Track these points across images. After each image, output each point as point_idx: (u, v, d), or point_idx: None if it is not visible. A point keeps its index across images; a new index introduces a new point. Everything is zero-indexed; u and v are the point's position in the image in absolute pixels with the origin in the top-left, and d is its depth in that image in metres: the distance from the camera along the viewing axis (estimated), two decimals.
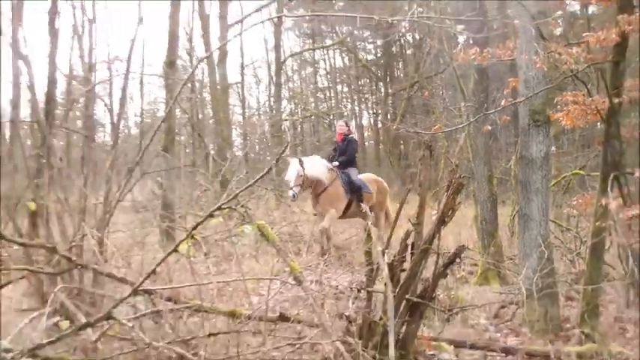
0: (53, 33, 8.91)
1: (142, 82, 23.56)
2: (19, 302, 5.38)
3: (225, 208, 3.97)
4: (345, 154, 11.01)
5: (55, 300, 4.25)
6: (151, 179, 11.39)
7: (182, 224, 8.89)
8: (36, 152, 7.06)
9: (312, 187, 10.52)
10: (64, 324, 4.06)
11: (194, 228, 3.95)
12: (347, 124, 11.64)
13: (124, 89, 9.81)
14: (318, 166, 10.54)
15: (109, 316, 3.95)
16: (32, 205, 5.50)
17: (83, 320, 4.19)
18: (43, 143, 6.82)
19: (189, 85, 18.96)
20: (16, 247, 5.44)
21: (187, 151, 20.64)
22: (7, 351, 3.77)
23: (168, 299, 4.20)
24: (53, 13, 9.06)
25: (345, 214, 10.89)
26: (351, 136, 11.27)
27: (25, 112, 10.09)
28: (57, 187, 5.71)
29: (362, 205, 9.99)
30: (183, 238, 3.89)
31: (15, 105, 9.14)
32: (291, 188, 10.35)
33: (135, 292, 4.02)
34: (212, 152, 15.86)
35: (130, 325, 3.94)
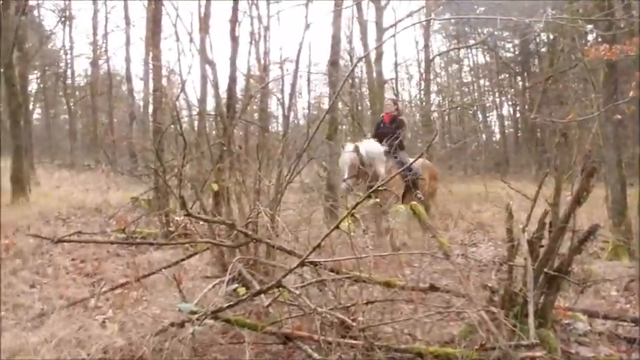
0: (234, 39, 10.24)
1: (308, 80, 28.05)
2: (204, 270, 6.33)
3: (382, 190, 4.57)
4: (395, 139, 9.77)
5: (233, 269, 4.97)
6: (317, 163, 12.36)
7: (343, 203, 9.94)
8: (219, 141, 8.12)
9: (370, 175, 9.62)
10: (241, 290, 4.79)
11: (354, 207, 4.58)
12: (395, 103, 11.05)
13: (293, 86, 11.37)
14: (375, 153, 9.85)
15: (279, 284, 4.58)
16: (215, 187, 6.45)
17: (257, 287, 4.91)
18: (225, 133, 7.88)
19: (350, 81, 21.62)
20: (201, 223, 6.45)
21: (348, 138, 22.60)
22: (193, 312, 4.43)
23: (331, 270, 4.83)
24: (234, 22, 10.45)
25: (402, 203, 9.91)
26: (400, 117, 10.67)
27: (209, 107, 11.61)
28: (236, 171, 6.64)
29: (418, 192, 9.64)
30: (344, 215, 4.52)
31: (202, 100, 10.57)
32: (344, 180, 9.59)
33: (302, 264, 4.69)
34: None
35: (298, 292, 4.56)
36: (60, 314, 5.46)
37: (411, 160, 9.83)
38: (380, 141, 10.18)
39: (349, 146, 9.73)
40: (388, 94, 23.78)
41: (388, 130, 10.30)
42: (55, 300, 6.39)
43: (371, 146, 9.91)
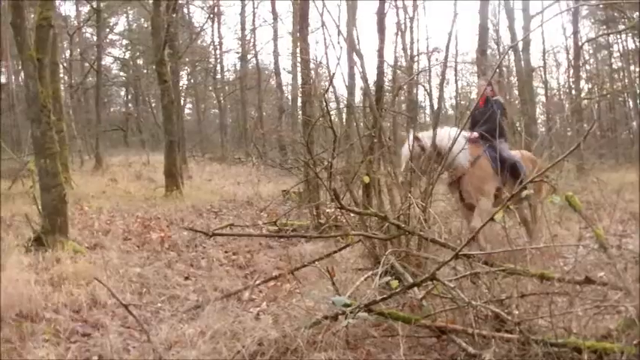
0: (381, 30, 10.42)
1: (455, 69, 27.98)
2: (356, 263, 6.50)
3: (537, 181, 4.56)
4: (489, 122, 8.59)
5: (385, 262, 5.12)
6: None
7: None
8: (369, 132, 8.28)
9: (448, 172, 8.50)
10: (394, 283, 4.89)
11: (509, 198, 4.61)
12: (490, 84, 9.49)
13: (442, 75, 11.24)
14: (446, 141, 8.14)
15: (433, 277, 4.68)
16: (366, 179, 6.62)
17: (410, 280, 5.05)
18: (374, 124, 8.03)
19: (498, 70, 21.31)
20: (352, 215, 6.63)
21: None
22: (346, 305, 4.59)
23: (485, 262, 4.88)
24: (381, 13, 10.64)
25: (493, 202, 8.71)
26: (495, 97, 9.29)
27: (357, 99, 11.87)
28: (387, 163, 6.77)
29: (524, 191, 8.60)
30: (499, 207, 4.55)
31: (350, 92, 10.81)
32: None
33: (456, 256, 4.77)
34: (519, 129, 17.21)
35: (451, 285, 4.66)
36: (214, 306, 5.74)
37: (512, 151, 9.22)
38: (474, 127, 9.07)
39: (409, 138, 8.40)
40: (535, 82, 23.57)
41: (481, 113, 9.14)
42: (209, 292, 6.72)
43: (441, 135, 8.52)
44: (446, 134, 8.15)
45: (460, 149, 7.94)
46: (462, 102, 31.43)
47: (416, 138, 8.24)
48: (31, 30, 9.19)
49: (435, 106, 11.43)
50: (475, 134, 8.73)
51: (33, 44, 8.78)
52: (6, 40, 34.06)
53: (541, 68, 31.61)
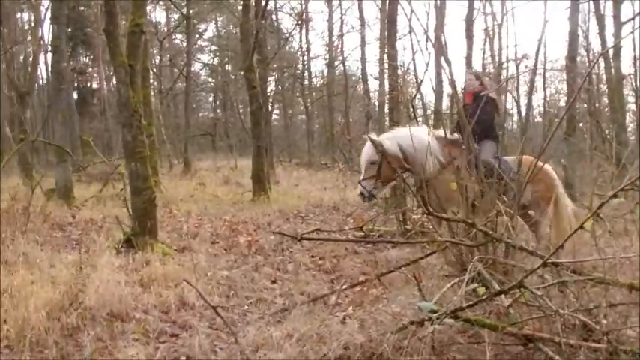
0: (469, 37, 10.43)
1: (544, 76, 27.70)
2: (442, 269, 6.53)
3: (629, 189, 4.52)
4: (478, 121, 7.57)
5: (472, 268, 5.13)
6: (555, 161, 12.08)
7: (582, 202, 9.45)
8: (456, 139, 8.27)
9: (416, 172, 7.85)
10: (481, 290, 4.90)
11: (600, 207, 4.58)
12: (478, 77, 8.70)
13: (531, 83, 11.14)
14: (414, 144, 7.59)
15: (520, 285, 4.66)
16: (453, 185, 6.63)
17: (497, 287, 5.04)
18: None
19: (587, 77, 21.00)
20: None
21: (585, 136, 21.93)
22: (433, 311, 4.62)
23: (573, 271, 4.84)
24: (469, 20, 10.66)
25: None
26: (484, 93, 8.30)
27: (444, 105, 11.98)
28: (473, 169, 6.78)
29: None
30: (589, 215, 4.53)
31: (438, 98, 10.87)
32: (360, 183, 7.89)
33: (544, 264, 4.77)
34: (609, 137, 17.04)
35: (539, 293, 4.65)
36: (301, 310, 5.86)
37: (508, 158, 8.28)
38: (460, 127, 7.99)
39: (373, 137, 7.97)
40: (626, 90, 23.07)
41: (469, 111, 8.02)
42: (295, 295, 6.88)
43: (402, 135, 7.93)
44: (407, 135, 7.69)
45: (428, 151, 7.49)
46: (551, 110, 30.90)
47: (372, 142, 7.94)
48: (123, 36, 9.54)
49: (523, 114, 11.36)
50: (455, 135, 8.02)
51: (125, 51, 9.13)
52: (98, 47, 35.43)
53: (632, 75, 30.84)
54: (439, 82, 11.58)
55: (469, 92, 8.62)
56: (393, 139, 8.01)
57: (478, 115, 7.54)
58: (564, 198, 8.44)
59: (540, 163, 7.67)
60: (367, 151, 7.94)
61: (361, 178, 7.91)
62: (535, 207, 7.84)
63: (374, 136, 7.95)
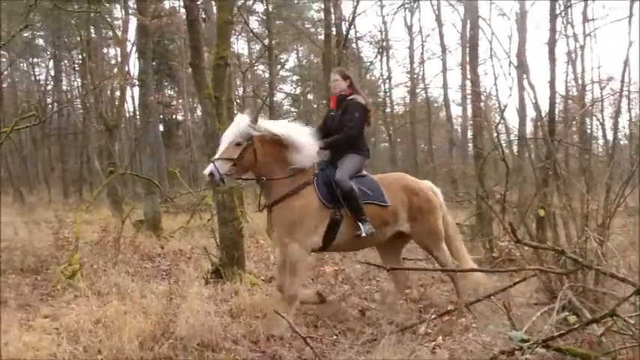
0: (552, 60, 10.33)
1: (628, 98, 27.18)
2: (531, 297, 6.47)
3: None
4: (342, 131, 7.03)
5: (562, 297, 5.11)
6: None
7: None
8: (542, 164, 8.23)
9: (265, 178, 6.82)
10: (572, 318, 4.87)
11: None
12: (345, 78, 7.42)
13: (617, 105, 10.99)
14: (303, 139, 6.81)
15: (612, 313, 4.60)
16: (542, 212, 6.61)
17: (588, 316, 4.99)
18: (548, 156, 8.00)
19: None
20: (526, 248, 6.63)
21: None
22: (524, 340, 4.63)
23: None
24: (552, 43, 10.58)
25: (328, 247, 7.08)
26: (352, 97, 7.23)
27: (528, 129, 11.90)
28: (561, 195, 6.73)
29: (361, 227, 6.80)
30: None
31: (521, 123, 10.82)
32: (212, 162, 6.60)
33: (637, 292, 4.69)
34: None
35: (632, 322, 4.59)
36: (390, 339, 5.83)
37: (380, 176, 7.52)
38: (326, 137, 7.21)
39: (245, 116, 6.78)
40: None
41: (335, 118, 7.28)
42: (384, 325, 6.77)
43: (292, 127, 6.98)
44: (293, 127, 6.92)
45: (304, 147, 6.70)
46: (635, 131, 30.28)
47: (246, 120, 6.69)
48: (208, 69, 9.82)
49: (610, 137, 11.20)
50: (320, 143, 7.01)
51: (210, 83, 9.40)
52: (182, 80, 36.41)
53: None
54: (522, 106, 11.54)
55: (334, 96, 7.47)
56: (278, 123, 7.00)
57: (343, 123, 7.06)
58: (448, 215, 7.97)
59: (423, 184, 7.68)
60: (235, 129, 6.64)
61: (217, 156, 6.59)
62: (419, 238, 7.56)
63: (248, 116, 6.75)
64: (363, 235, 6.76)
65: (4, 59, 33.94)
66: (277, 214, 6.79)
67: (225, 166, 6.49)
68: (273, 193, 6.77)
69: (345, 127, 7.02)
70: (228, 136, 6.60)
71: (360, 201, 6.81)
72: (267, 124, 6.71)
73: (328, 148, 7.13)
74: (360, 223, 6.78)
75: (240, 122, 6.63)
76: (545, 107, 9.88)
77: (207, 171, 6.47)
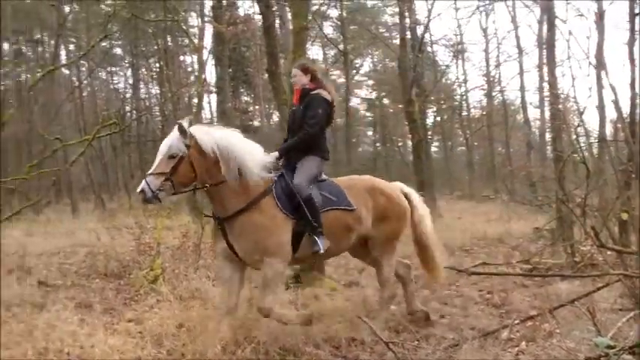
0: (632, 60, 10.05)
1: None
2: (616, 302, 6.38)
3: None
4: (302, 130, 6.49)
5: None
6: None
7: None
8: (624, 167, 8.08)
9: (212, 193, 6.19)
10: None
11: None
12: (307, 70, 6.79)
13: None
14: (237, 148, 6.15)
15: None
16: (625, 215, 6.51)
17: None
18: (630, 158, 7.86)
19: None
20: (609, 252, 6.53)
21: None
22: (610, 347, 4.53)
23: None
24: (631, 43, 10.31)
25: (295, 258, 6.49)
26: (316, 92, 6.65)
27: (608, 131, 11.66)
28: None
29: (318, 242, 6.21)
30: None
31: (601, 125, 10.63)
32: (145, 178, 5.92)
33: None
34: None
35: None
36: (472, 345, 5.88)
37: (342, 179, 7.03)
38: (292, 135, 6.77)
39: (184, 124, 6.01)
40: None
41: (297, 114, 6.71)
42: (465, 331, 6.85)
43: (225, 135, 6.28)
44: (226, 135, 6.25)
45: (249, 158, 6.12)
46: None
47: (181, 129, 5.95)
48: (284, 75, 9.95)
49: None
50: (274, 154, 6.46)
51: (287, 89, 9.52)
52: (258, 86, 36.93)
53: None
54: (601, 108, 11.30)
55: (296, 90, 6.84)
56: (209, 133, 6.14)
57: (304, 119, 6.51)
58: (426, 220, 7.49)
59: (393, 187, 7.24)
60: (170, 141, 5.97)
61: (150, 171, 5.92)
62: (379, 247, 7.04)
63: (185, 123, 6.00)
64: (322, 252, 6.30)
65: (84, 69, 35.08)
66: (237, 231, 6.13)
67: (156, 182, 5.83)
68: (227, 204, 6.13)
69: (305, 125, 6.49)
70: (161, 149, 6.00)
71: (319, 212, 6.30)
72: (198, 135, 6.02)
73: (285, 154, 6.58)
74: (316, 237, 6.24)
75: (173, 133, 6.03)
76: (625, 109, 9.70)
77: (139, 189, 5.85)
